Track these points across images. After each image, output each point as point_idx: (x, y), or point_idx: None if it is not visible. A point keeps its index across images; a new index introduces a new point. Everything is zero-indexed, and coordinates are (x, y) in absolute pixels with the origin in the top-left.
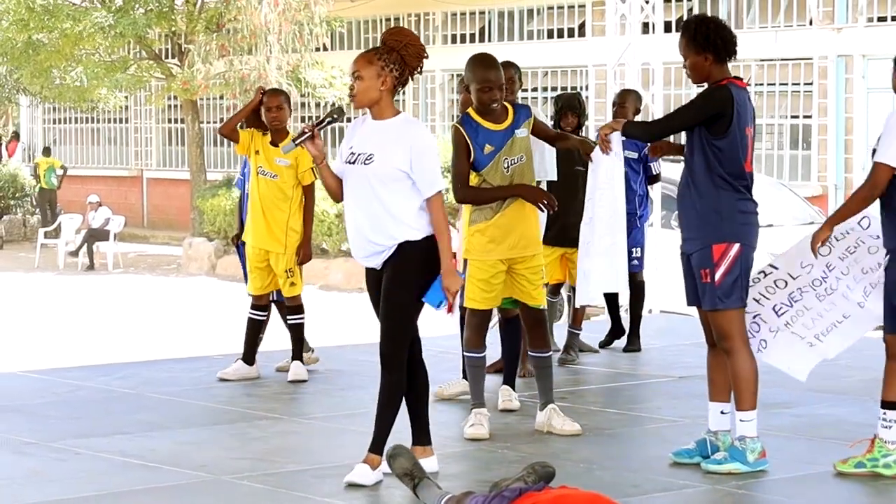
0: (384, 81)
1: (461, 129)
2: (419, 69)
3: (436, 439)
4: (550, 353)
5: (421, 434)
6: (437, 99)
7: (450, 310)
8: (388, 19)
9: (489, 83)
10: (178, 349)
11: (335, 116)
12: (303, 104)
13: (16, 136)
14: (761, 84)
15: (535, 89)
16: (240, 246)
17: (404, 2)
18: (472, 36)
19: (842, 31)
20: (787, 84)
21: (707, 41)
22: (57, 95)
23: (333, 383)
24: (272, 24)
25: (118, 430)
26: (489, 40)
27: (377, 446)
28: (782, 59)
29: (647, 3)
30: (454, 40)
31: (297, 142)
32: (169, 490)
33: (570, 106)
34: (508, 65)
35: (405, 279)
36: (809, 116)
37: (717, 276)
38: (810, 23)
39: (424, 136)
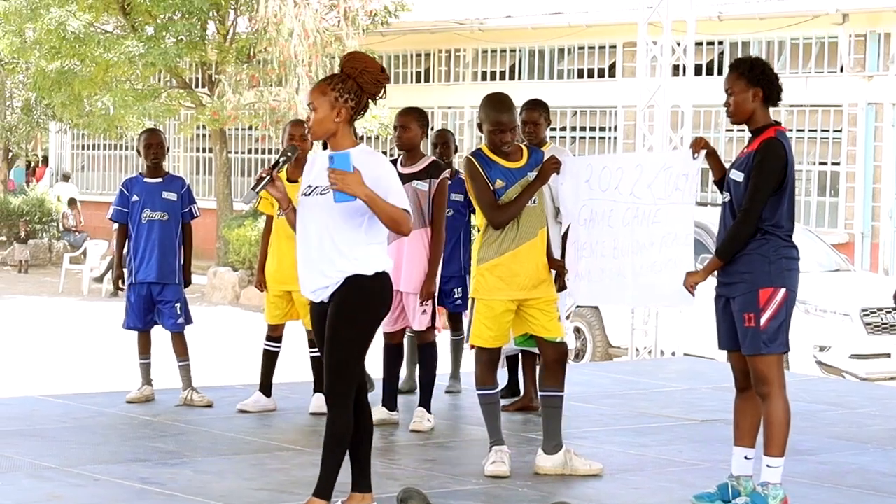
0: (339, 112)
1: (474, 160)
2: (380, 94)
3: (455, 476)
4: (563, 392)
5: (361, 480)
6: (465, 135)
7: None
8: (418, 54)
9: (502, 126)
10: (200, 378)
11: (290, 155)
12: None
13: (44, 161)
14: (790, 130)
15: (563, 128)
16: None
17: (435, 38)
18: (503, 73)
19: (872, 79)
20: (816, 130)
21: (762, 75)
22: (87, 124)
23: None
24: (302, 57)
25: (138, 457)
26: (519, 78)
27: (323, 491)
28: (812, 106)
29: (678, 45)
30: (484, 77)
31: (257, 189)
32: None
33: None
34: (536, 105)
35: (351, 314)
36: (838, 163)
37: (763, 320)
38: (841, 70)
39: (383, 164)
